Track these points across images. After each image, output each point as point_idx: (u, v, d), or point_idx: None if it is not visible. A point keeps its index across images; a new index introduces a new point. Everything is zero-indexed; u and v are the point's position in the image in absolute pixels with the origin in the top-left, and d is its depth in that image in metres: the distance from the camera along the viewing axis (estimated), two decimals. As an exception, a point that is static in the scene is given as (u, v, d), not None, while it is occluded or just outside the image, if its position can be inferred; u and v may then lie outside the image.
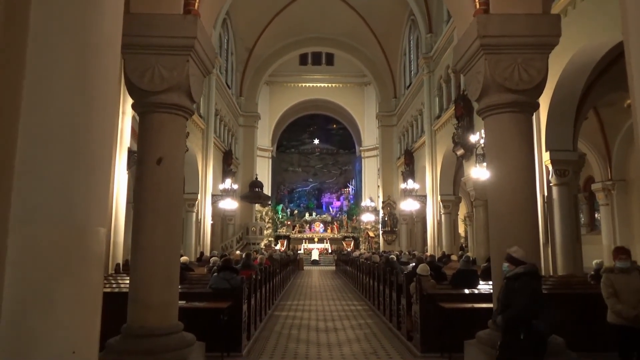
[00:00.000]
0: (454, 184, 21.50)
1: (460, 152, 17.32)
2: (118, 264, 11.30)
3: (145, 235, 5.04)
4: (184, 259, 11.06)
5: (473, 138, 14.24)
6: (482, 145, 13.01)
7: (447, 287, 8.26)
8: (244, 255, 11.35)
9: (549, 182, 11.79)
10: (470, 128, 16.63)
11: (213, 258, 11.88)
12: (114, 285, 8.29)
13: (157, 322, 4.88)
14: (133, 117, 12.42)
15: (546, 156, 11.74)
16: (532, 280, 4.04)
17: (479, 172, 13.58)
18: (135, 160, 13.11)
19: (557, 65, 10.23)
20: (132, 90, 5.13)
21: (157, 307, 4.92)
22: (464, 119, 17.26)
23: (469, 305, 6.95)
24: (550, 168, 11.68)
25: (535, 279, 4.08)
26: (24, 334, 1.70)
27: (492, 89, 5.32)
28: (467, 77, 5.87)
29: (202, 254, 19.20)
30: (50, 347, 1.75)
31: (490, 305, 5.51)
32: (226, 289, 7.43)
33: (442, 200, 21.29)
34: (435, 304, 7.17)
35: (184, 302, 6.55)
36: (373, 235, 34.35)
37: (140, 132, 5.25)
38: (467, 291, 7.77)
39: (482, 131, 13.01)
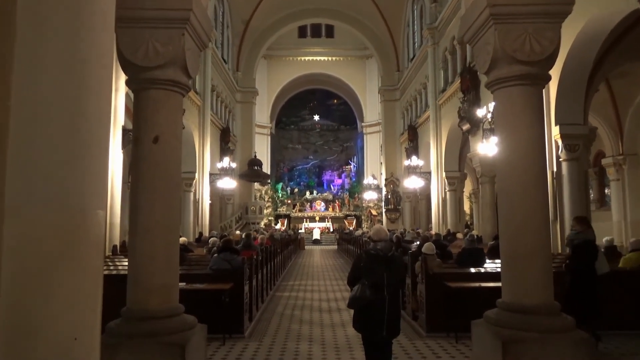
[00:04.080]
0: (459, 160, 21.48)
1: (466, 127, 17.25)
2: (115, 246, 11.38)
3: (143, 216, 5.02)
4: (182, 239, 11.09)
5: (480, 112, 14.15)
6: (489, 119, 12.95)
7: (453, 266, 8.34)
8: (244, 236, 11.41)
9: (558, 157, 11.75)
10: (477, 102, 16.52)
11: (212, 239, 11.95)
12: (112, 268, 8.36)
13: (158, 305, 4.90)
14: (127, 94, 12.32)
15: (555, 130, 11.68)
16: None
17: (485, 148, 13.54)
18: (130, 139, 13.07)
19: (568, 35, 10.09)
20: (126, 66, 5.05)
21: (158, 289, 4.93)
22: (470, 92, 17.14)
23: (476, 284, 7.02)
24: (560, 143, 11.63)
25: None
26: (24, 322, 1.70)
27: (501, 61, 5.24)
28: (475, 49, 5.77)
29: (200, 234, 19.32)
30: (51, 334, 1.75)
31: (498, 284, 5.53)
32: (227, 270, 7.49)
33: (447, 177, 21.30)
34: (441, 283, 7.24)
35: (184, 284, 6.61)
36: (376, 214, 34.49)
37: (135, 110, 5.18)
38: (473, 270, 7.83)
39: (489, 105, 13.02)
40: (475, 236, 9.87)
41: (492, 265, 8.11)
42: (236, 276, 7.46)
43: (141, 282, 4.93)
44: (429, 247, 7.87)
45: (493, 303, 5.30)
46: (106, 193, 2.17)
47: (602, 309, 6.29)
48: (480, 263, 8.21)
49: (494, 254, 9.35)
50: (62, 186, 1.85)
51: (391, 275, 4.56)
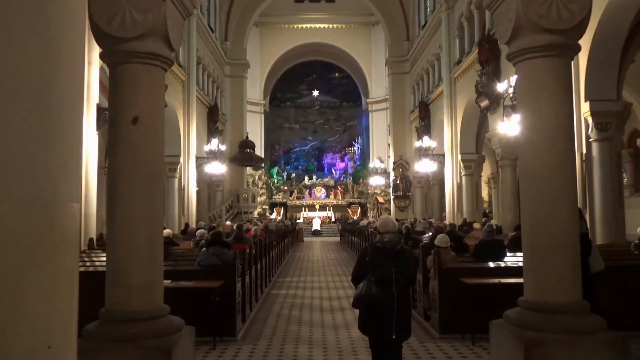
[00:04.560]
0: (476, 141, 21.48)
1: (484, 103, 17.21)
2: (91, 239, 11.41)
3: (122, 206, 5.03)
4: (167, 231, 11.11)
5: (500, 87, 14.12)
6: (511, 95, 12.91)
7: (470, 260, 8.38)
8: (235, 227, 11.44)
9: (588, 137, 11.74)
10: (497, 75, 16.46)
11: (200, 230, 11.98)
12: (88, 264, 8.40)
13: (140, 305, 4.92)
14: (101, 68, 12.25)
15: (585, 107, 11.65)
16: None
17: (506, 127, 13.53)
18: (106, 118, 13.01)
19: (599, 0, 10.00)
20: (100, 37, 5.01)
21: (140, 288, 4.95)
22: (489, 64, 17.07)
23: (495, 280, 7.05)
24: (590, 121, 11.60)
25: None
26: (-9, 330, 1.70)
27: (525, 29, 5.20)
28: (496, 16, 5.73)
29: (187, 225, 19.39)
30: (22, 343, 1.75)
31: (520, 280, 5.56)
32: (217, 266, 7.54)
33: (462, 160, 21.33)
34: (456, 279, 7.27)
35: (169, 281, 6.67)
36: (383, 201, 34.59)
37: (111, 87, 5.15)
38: (492, 265, 7.86)
39: (511, 79, 12.97)
40: (494, 226, 9.90)
41: (513, 259, 8.15)
42: (227, 272, 7.50)
43: (121, 280, 4.95)
44: (442, 239, 7.91)
45: (514, 302, 5.33)
46: (80, 182, 2.17)
47: (610, 308, 6.29)
48: (500, 256, 8.24)
49: (515, 247, 9.31)
50: (29, 176, 1.83)
51: (400, 270, 4.59)
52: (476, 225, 14.77)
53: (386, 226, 4.75)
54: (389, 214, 32.26)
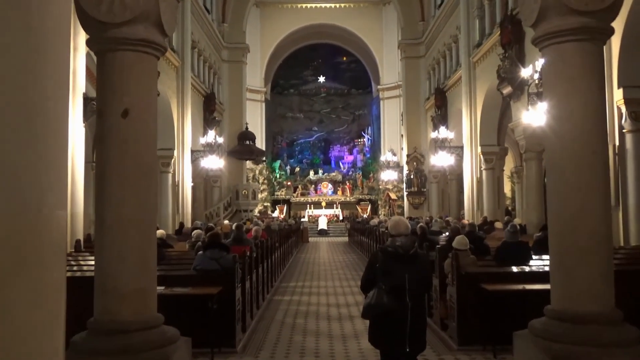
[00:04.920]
0: (498, 132, 21.38)
1: (507, 90, 17.13)
2: (78, 241, 11.47)
3: (111, 207, 5.06)
4: (160, 232, 11.09)
5: (524, 72, 14.03)
6: (537, 81, 12.83)
7: (491, 263, 8.38)
8: (234, 227, 11.45)
9: (621, 127, 11.67)
10: (521, 59, 16.37)
11: (196, 231, 12.01)
12: (75, 268, 8.45)
13: (132, 315, 4.96)
14: (88, 54, 12.27)
15: (618, 95, 11.57)
16: None
17: (531, 116, 13.45)
18: (94, 109, 13.06)
19: (635, -24, 9.93)
20: (87, 23, 5.02)
21: (131, 295, 4.98)
22: (512, 47, 16.98)
23: (519, 286, 7.04)
24: (624, 110, 11.53)
25: None
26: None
27: (553, 11, 5.18)
28: (520, -5, 5.71)
29: (181, 225, 19.39)
30: (6, 356, 1.75)
31: (547, 286, 5.56)
32: (215, 271, 7.55)
33: (483, 153, 21.25)
34: (476, 285, 7.26)
35: (163, 287, 6.68)
36: (395, 198, 34.54)
37: (100, 77, 5.18)
38: (515, 269, 7.85)
39: (537, 63, 12.88)
40: (519, 226, 9.87)
41: (539, 263, 8.13)
42: (226, 278, 7.52)
43: (111, 287, 4.98)
44: (461, 241, 7.89)
45: (540, 310, 5.33)
46: (66, 186, 2.17)
47: None
48: (525, 260, 8.23)
49: (541, 249, 9.25)
50: (9, 181, 1.83)
51: (414, 277, 4.59)
52: (498, 225, 14.74)
53: (398, 228, 4.74)
54: (402, 211, 32.33)
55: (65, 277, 2.09)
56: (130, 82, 5.12)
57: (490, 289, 6.97)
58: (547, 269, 8.05)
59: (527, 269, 7.93)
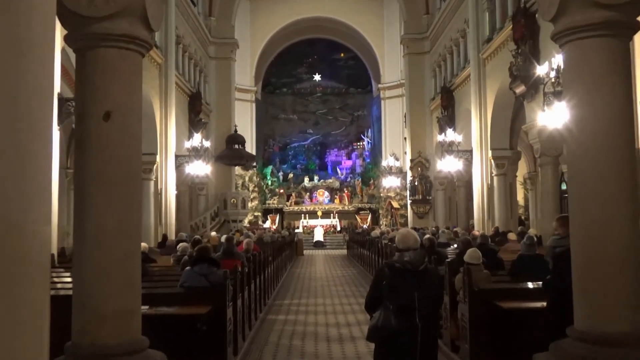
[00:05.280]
0: (510, 135, 21.43)
1: (520, 89, 17.18)
2: (52, 255, 11.41)
3: (92, 217, 4.99)
4: (142, 245, 11.09)
5: (540, 70, 14.06)
6: (553, 79, 12.88)
7: (506, 279, 8.37)
8: (224, 240, 11.43)
9: (647, 129, 11.70)
10: (535, 55, 16.42)
11: (182, 244, 12.00)
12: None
13: (114, 338, 4.88)
14: (63, 50, 12.21)
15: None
16: None
17: (547, 118, 13.49)
18: (69, 110, 13.02)
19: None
20: (66, 17, 4.98)
21: (114, 316, 4.91)
22: (526, 42, 17.03)
23: (537, 304, 6.99)
24: (651, 111, 11.56)
25: None
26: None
27: (574, 4, 5.17)
28: (537, -13, 5.73)
29: (165, 237, 19.35)
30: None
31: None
32: (204, 288, 7.52)
33: (494, 157, 21.28)
34: (490, 302, 7.25)
35: (147, 307, 6.61)
36: (398, 207, 34.56)
37: (79, 76, 5.13)
38: (532, 285, 7.81)
39: (553, 60, 12.94)
40: (535, 237, 9.87)
41: (558, 278, 8.08)
42: (216, 296, 7.49)
43: (91, 307, 4.91)
44: (473, 255, 7.88)
45: (562, 331, 5.31)
46: (51, 198, 2.15)
47: None
48: (542, 275, 8.17)
49: (559, 262, 9.31)
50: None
51: (425, 295, 4.58)
52: (511, 236, 14.74)
53: (406, 242, 4.73)
54: (405, 221, 32.32)
55: (49, 298, 2.07)
56: (112, 82, 5.07)
57: (506, 307, 6.96)
58: (567, 284, 8.05)
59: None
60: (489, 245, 10.19)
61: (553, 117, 13.16)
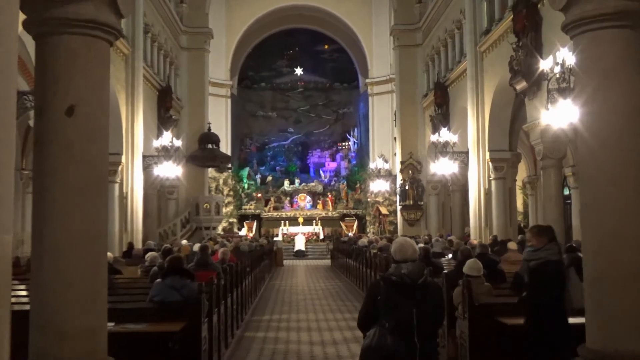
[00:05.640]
0: (510, 135, 21.50)
1: (521, 85, 17.23)
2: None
3: (53, 223, 4.93)
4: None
5: (543, 64, 14.10)
6: (558, 75, 12.93)
7: (509, 292, 8.29)
8: (198, 249, 11.34)
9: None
10: (538, 49, 16.45)
11: (150, 253, 11.86)
12: (3, 299, 8.25)
13: (77, 359, 4.82)
14: (19, 38, 12.08)
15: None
16: None
17: (551, 116, 13.53)
18: (25, 105, 12.87)
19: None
20: (25, 0, 4.91)
21: (77, 334, 4.85)
22: (527, 34, 17.07)
23: (544, 320, 6.99)
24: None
25: None
26: None
27: (587, -8, 5.20)
28: (546, -27, 5.73)
29: (131, 245, 19.20)
30: None
31: (579, 320, 5.55)
32: (176, 303, 7.43)
33: (492, 159, 21.32)
34: (492, 318, 7.24)
35: (113, 324, 6.56)
36: (387, 213, 34.59)
37: (39, 66, 5.05)
38: (538, 299, 7.82)
39: (558, 54, 13.01)
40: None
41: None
42: (190, 311, 7.40)
43: (52, 325, 4.84)
44: (473, 266, 7.86)
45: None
46: (12, 205, 2.07)
47: None
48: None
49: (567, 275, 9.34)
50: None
51: (424, 312, 4.53)
52: (512, 245, 14.71)
53: (404, 252, 4.68)
54: (395, 229, 32.36)
55: (9, 313, 1.99)
56: (76, 73, 5.01)
57: (510, 324, 6.93)
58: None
59: None
60: (490, 256, 10.17)
61: (558, 115, 13.20)
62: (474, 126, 22.53)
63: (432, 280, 4.84)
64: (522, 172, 27.54)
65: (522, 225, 27.74)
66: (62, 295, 4.87)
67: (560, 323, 6.11)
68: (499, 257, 12.86)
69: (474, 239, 18.25)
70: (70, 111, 4.95)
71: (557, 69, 13.11)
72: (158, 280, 7.84)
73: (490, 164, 21.36)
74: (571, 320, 6.62)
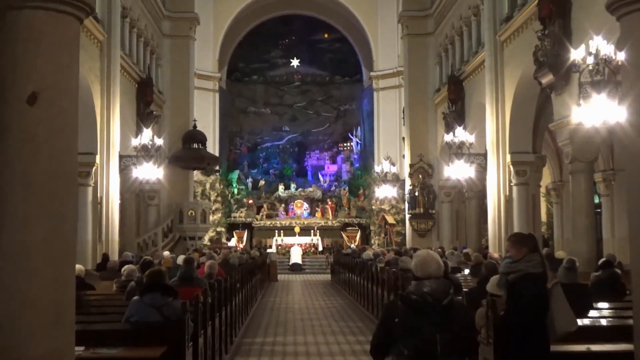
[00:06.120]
0: (534, 135, 21.50)
1: (547, 79, 17.17)
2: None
3: (11, 231, 4.80)
4: (76, 268, 10.86)
5: (575, 54, 14.00)
6: (591, 66, 12.82)
7: (539, 313, 8.21)
8: (181, 261, 11.20)
9: None
10: (567, 37, 16.36)
11: (128, 266, 11.77)
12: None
13: (39, 390, 4.68)
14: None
15: None
16: None
17: (584, 114, 13.41)
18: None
19: None
20: (-20, -33, 4.77)
21: (39, 360, 4.73)
22: (554, 22, 17.01)
23: (582, 347, 6.91)
24: None
25: None
26: None
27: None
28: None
29: (105, 257, 19.21)
30: None
31: (625, 346, 5.40)
32: (156, 324, 7.33)
33: (513, 163, 21.33)
34: (522, 344, 7.04)
35: (83, 348, 6.51)
36: (393, 222, 34.71)
37: (-4, 45, 4.91)
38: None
39: (591, 43, 12.88)
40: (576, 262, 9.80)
41: (604, 314, 7.99)
42: (172, 334, 7.29)
43: (9, 350, 4.71)
44: (499, 283, 7.64)
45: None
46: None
47: None
48: (584, 308, 8.06)
49: (601, 293, 9.21)
50: None
51: (449, 337, 4.41)
52: (537, 259, 14.58)
53: (426, 267, 4.56)
54: (403, 239, 32.34)
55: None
56: (40, 54, 4.88)
57: (542, 350, 6.75)
58: (615, 320, 7.88)
59: (587, 321, 7.80)
60: (515, 271, 9.99)
61: (590, 112, 13.09)
62: (492, 125, 22.49)
63: (459, 301, 4.68)
64: (546, 178, 27.47)
65: (545, 237, 27.67)
66: (21, 314, 4.74)
67: (539, 350, 5.93)
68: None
69: (495, 253, 18.08)
70: (33, 99, 4.82)
71: (590, 60, 13.03)
72: (136, 297, 7.76)
73: (511, 167, 21.37)
74: (610, 347, 6.52)
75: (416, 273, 4.59)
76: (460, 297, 8.52)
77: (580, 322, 7.68)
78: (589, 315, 8.04)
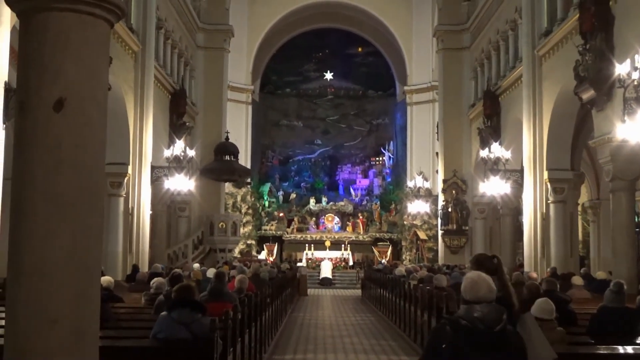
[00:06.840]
0: (572, 152, 21.27)
1: (587, 94, 16.92)
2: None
3: (33, 245, 4.63)
4: (105, 280, 10.89)
5: (620, 69, 13.71)
6: (636, 81, 12.54)
7: (584, 339, 8.04)
8: (211, 275, 11.01)
9: None
10: (609, 51, 16.05)
11: (157, 279, 11.65)
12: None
13: (60, 412, 4.51)
14: (14, 29, 12.00)
15: None
16: None
17: (628, 130, 13.11)
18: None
19: None
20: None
21: (58, 382, 4.55)
22: (596, 36, 16.74)
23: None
24: None
25: None
26: None
27: None
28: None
29: (135, 268, 19.22)
30: None
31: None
32: (184, 341, 7.14)
33: (550, 180, 21.13)
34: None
35: (108, 365, 6.20)
36: (425, 238, 34.59)
37: (23, 50, 4.77)
38: (622, 349, 7.45)
39: (638, 56, 12.51)
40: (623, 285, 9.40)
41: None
42: (200, 352, 7.10)
43: (29, 368, 4.56)
44: (545, 307, 7.36)
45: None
46: None
47: None
48: (632, 334, 7.83)
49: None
50: None
51: None
52: (576, 280, 14.26)
53: (476, 290, 4.29)
54: (435, 256, 32.09)
55: None
56: (68, 58, 4.70)
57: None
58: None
59: (629, 349, 7.47)
60: (558, 294, 9.68)
61: (635, 129, 12.79)
62: (530, 141, 22.28)
63: (512, 329, 4.36)
64: (583, 195, 27.08)
65: (581, 255, 27.20)
66: (42, 330, 4.55)
67: None
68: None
69: (533, 273, 17.71)
70: (59, 105, 4.64)
71: (636, 75, 12.76)
72: (164, 313, 7.55)
73: (548, 184, 21.16)
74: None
75: (465, 296, 4.32)
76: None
77: (623, 349, 7.37)
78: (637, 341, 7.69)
